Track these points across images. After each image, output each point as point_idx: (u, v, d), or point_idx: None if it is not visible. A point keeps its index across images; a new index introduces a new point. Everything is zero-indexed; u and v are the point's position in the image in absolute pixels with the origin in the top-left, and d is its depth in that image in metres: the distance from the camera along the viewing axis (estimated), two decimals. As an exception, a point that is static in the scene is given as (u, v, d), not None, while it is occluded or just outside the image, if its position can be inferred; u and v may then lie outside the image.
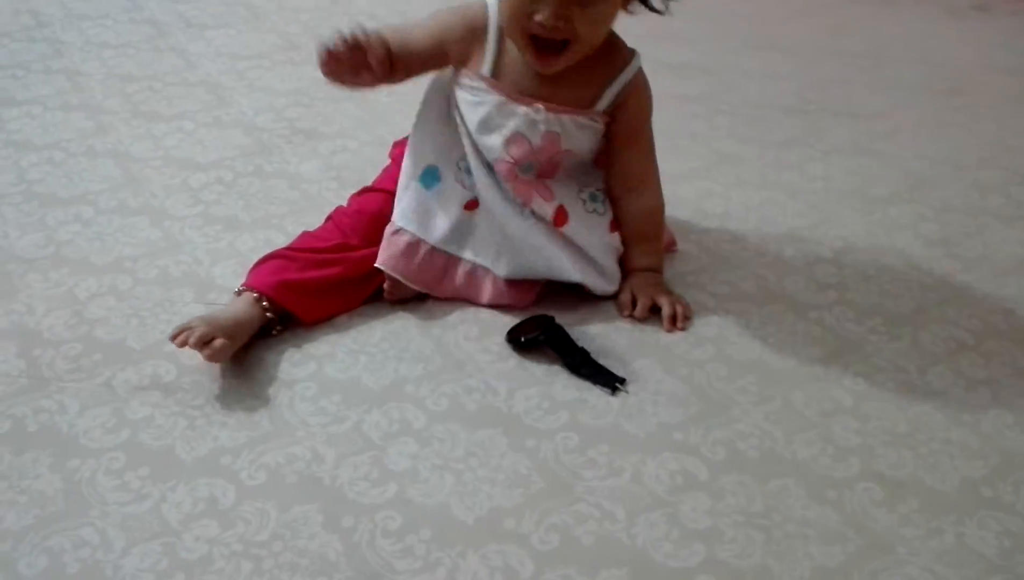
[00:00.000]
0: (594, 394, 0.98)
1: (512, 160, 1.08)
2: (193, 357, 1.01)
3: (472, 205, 1.13)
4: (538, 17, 0.98)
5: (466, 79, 1.09)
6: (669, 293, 1.12)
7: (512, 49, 1.07)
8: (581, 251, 1.12)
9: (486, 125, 1.08)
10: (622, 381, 0.99)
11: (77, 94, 1.62)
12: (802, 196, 1.36)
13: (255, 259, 1.11)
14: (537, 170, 1.10)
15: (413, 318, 1.10)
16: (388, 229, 1.12)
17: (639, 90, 1.10)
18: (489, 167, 1.11)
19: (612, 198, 1.15)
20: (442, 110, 1.13)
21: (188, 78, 1.69)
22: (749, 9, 2.10)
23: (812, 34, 1.98)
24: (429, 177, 1.13)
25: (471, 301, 1.12)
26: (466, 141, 1.11)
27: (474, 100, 1.09)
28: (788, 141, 1.53)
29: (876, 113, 1.64)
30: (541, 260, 1.11)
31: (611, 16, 1.04)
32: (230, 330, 1.00)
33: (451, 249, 1.12)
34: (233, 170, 1.40)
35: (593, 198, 1.14)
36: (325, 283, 1.09)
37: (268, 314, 1.05)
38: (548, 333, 1.04)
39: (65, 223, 1.27)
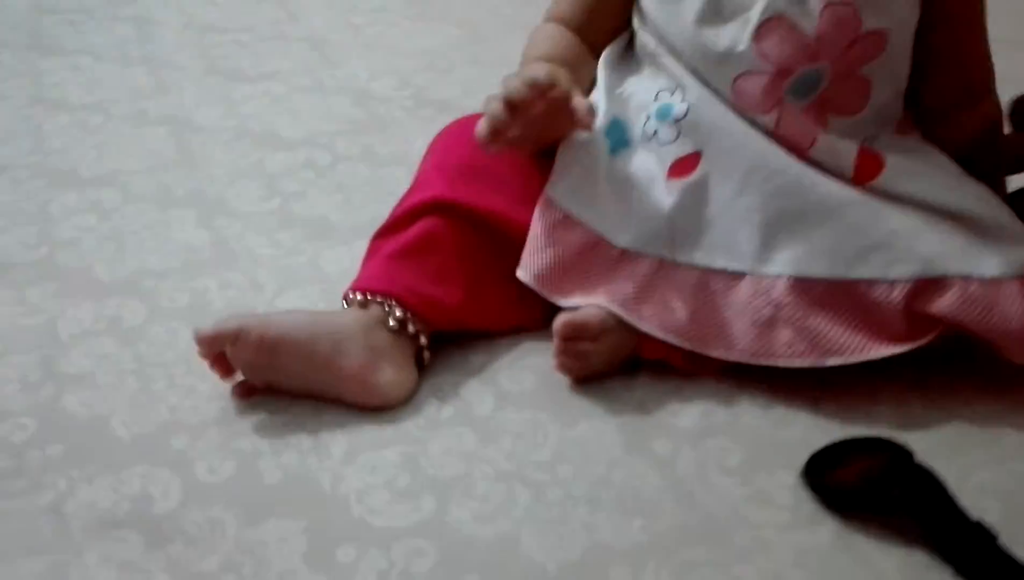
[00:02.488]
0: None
1: (773, 67, 0.62)
2: (223, 462, 0.56)
3: (685, 166, 0.64)
4: None
5: None
6: None
7: None
8: (929, 211, 0.61)
9: (715, 11, 0.63)
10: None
11: (141, 45, 1.21)
12: None
13: (346, 286, 0.66)
14: (823, 90, 0.63)
15: (606, 414, 0.61)
16: (543, 212, 0.65)
17: None
18: (720, 93, 0.64)
19: (933, 117, 0.68)
20: (616, 49, 0.71)
21: (287, 32, 1.25)
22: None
23: None
24: (617, 131, 0.66)
25: (720, 353, 0.62)
26: (667, 62, 0.66)
27: None
28: None
29: None
30: (858, 242, 0.60)
31: None
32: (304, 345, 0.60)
33: (657, 249, 0.64)
34: (331, 151, 0.95)
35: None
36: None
37: (395, 318, 0.63)
38: (907, 484, 0.52)
39: (76, 212, 0.84)
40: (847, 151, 0.63)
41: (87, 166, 0.92)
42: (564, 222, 0.65)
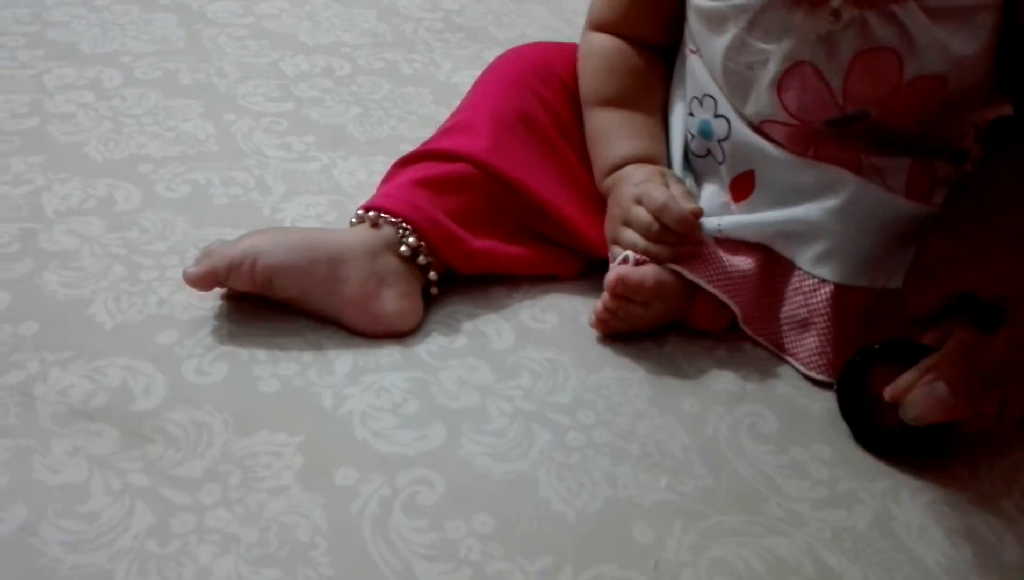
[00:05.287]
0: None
1: (797, 121, 0.55)
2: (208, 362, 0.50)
3: (743, 187, 0.59)
4: None
5: None
6: None
7: None
8: None
9: (741, 47, 0.55)
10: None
11: (157, -69, 1.14)
12: None
13: (359, 200, 0.60)
14: (866, 123, 0.55)
15: (633, 364, 0.56)
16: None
17: None
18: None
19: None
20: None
21: (313, -62, 1.19)
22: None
23: None
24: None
25: (752, 329, 0.59)
26: (699, 72, 0.60)
27: (713, 18, 0.56)
28: None
29: None
30: (908, 253, 0.54)
31: None
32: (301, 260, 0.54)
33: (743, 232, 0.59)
34: (352, 61, 0.88)
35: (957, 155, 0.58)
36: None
37: (408, 244, 0.57)
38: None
39: (73, 88, 0.78)
40: (898, 168, 0.56)
41: (88, 43, 0.85)
42: None
